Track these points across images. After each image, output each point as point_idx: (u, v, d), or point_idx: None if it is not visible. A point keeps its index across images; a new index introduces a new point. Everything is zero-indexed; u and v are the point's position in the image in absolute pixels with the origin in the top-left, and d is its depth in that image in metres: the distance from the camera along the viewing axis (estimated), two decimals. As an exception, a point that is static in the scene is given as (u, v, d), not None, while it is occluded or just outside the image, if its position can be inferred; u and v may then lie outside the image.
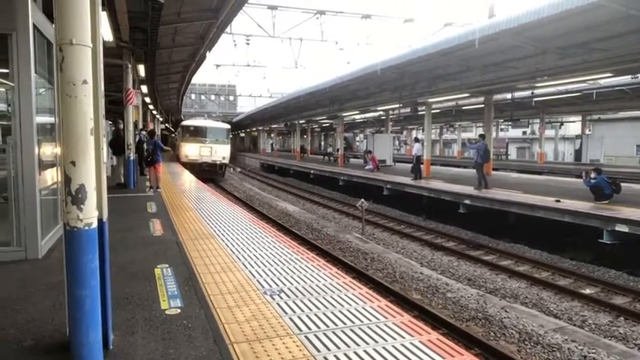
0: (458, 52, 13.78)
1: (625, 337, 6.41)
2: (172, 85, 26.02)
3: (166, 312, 4.00)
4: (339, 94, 25.55)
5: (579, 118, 34.94)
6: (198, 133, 26.16)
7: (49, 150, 6.38)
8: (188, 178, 18.11)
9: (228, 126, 29.19)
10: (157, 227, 7.85)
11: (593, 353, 5.39)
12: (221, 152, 26.15)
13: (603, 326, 6.79)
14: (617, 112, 32.98)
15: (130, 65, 13.18)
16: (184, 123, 29.04)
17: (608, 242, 9.38)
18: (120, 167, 14.48)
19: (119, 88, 14.03)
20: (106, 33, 9.02)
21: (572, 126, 41.28)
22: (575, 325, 6.69)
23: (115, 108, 17.82)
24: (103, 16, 7.58)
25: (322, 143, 65.64)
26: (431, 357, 3.23)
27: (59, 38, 2.84)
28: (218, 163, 25.94)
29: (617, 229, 9.20)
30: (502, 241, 11.95)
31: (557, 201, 11.25)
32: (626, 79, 19.28)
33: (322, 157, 37.67)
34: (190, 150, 25.57)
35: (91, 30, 2.97)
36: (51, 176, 6.50)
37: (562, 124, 40.49)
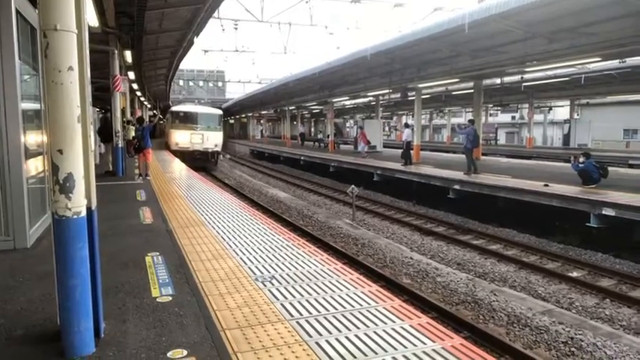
0: (448, 37, 13.75)
1: (611, 319, 6.54)
2: (160, 71, 25.66)
3: (157, 300, 4.00)
4: (329, 80, 25.41)
5: (568, 102, 35.14)
6: (188, 120, 24.87)
7: (35, 138, 6.29)
8: (177, 166, 17.99)
9: (220, 112, 27.66)
10: (146, 215, 7.81)
11: (579, 335, 5.50)
12: (213, 139, 24.81)
13: (590, 308, 6.92)
14: (605, 96, 33.19)
15: (116, 51, 12.99)
16: (174, 108, 27.47)
17: (595, 226, 9.51)
18: (108, 155, 14.33)
19: (106, 75, 13.82)
20: (92, 18, 8.85)
21: (561, 110, 41.49)
22: (562, 307, 6.81)
23: (101, 95, 17.58)
24: (88, 1, 7.44)
25: (312, 129, 65.49)
26: (421, 340, 3.26)
27: (43, 24, 2.79)
28: (210, 150, 24.68)
29: (603, 212, 9.32)
30: (491, 225, 12.08)
31: (546, 185, 11.36)
32: (614, 63, 19.39)
33: (313, 143, 37.61)
34: (180, 137, 24.32)
35: (76, 15, 2.92)
36: (37, 165, 6.42)
37: (551, 108, 40.71)
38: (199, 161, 23.76)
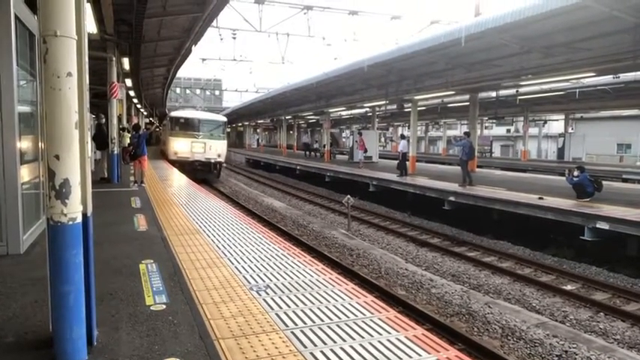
0: (444, 50, 13.87)
1: (605, 332, 6.54)
2: (157, 79, 25.70)
3: (151, 308, 3.97)
4: (326, 90, 25.54)
5: (562, 116, 35.45)
6: (190, 127, 22.34)
7: (31, 143, 6.27)
8: (173, 174, 17.94)
9: (224, 118, 25.17)
10: (141, 222, 7.77)
11: (574, 348, 5.49)
12: (216, 149, 22.27)
13: (584, 321, 6.92)
14: (598, 111, 33.52)
15: (114, 58, 13.02)
16: (174, 114, 24.82)
17: (589, 239, 9.54)
18: (103, 161, 14.30)
19: (103, 82, 13.83)
20: (91, 25, 8.88)
21: (556, 124, 41.89)
22: (556, 320, 6.81)
23: (98, 101, 17.55)
24: (88, 8, 7.46)
25: (309, 139, 65.60)
26: (416, 352, 3.25)
27: (43, 30, 2.79)
28: (213, 161, 22.14)
29: (597, 226, 9.35)
30: (486, 237, 12.09)
31: (540, 198, 11.40)
32: (608, 78, 19.62)
33: (309, 152, 37.63)
34: (180, 146, 21.85)
35: (76, 21, 2.92)
36: (32, 170, 6.39)
37: (545, 122, 41.09)
38: (200, 172, 21.78)
